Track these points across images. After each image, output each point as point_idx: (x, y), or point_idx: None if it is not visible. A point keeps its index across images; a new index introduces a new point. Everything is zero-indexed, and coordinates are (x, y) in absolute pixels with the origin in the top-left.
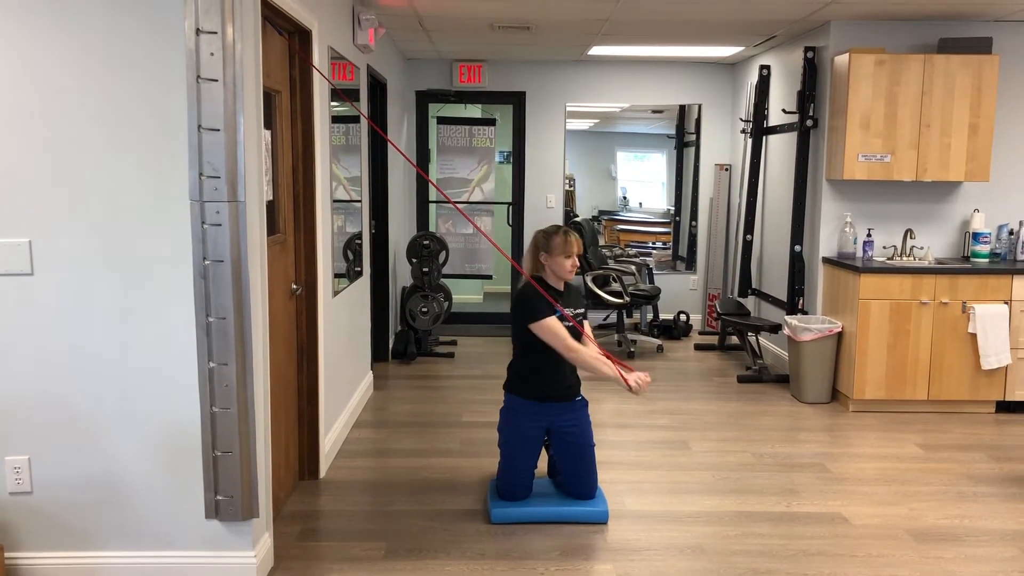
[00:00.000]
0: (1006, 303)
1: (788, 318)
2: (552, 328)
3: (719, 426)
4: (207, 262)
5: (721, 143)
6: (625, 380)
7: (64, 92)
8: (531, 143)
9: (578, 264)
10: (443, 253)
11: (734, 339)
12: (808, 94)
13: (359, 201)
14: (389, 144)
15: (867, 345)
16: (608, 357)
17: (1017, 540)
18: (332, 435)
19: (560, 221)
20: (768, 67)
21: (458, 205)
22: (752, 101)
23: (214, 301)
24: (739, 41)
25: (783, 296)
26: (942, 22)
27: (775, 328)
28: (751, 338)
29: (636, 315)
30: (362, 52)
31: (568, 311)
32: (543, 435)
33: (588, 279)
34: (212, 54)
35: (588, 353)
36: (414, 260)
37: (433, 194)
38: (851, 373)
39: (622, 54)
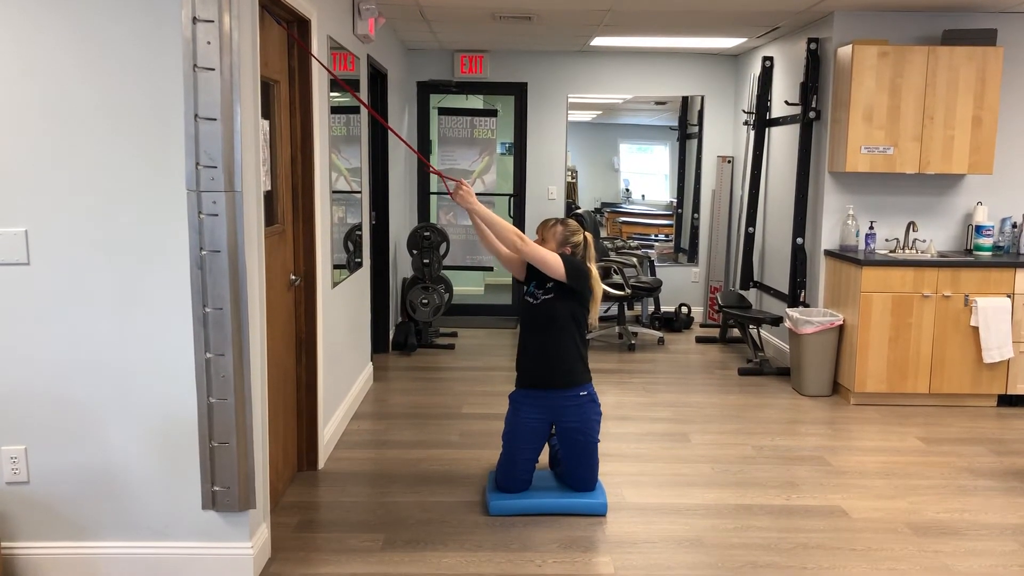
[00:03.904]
0: (1009, 296)
1: (790, 311)
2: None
3: (719, 419)
4: (204, 252)
5: (724, 135)
6: (449, 192)
7: (61, 81)
8: (533, 134)
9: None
10: (444, 244)
11: (735, 332)
12: (811, 86)
13: (359, 192)
14: (391, 133)
15: (869, 338)
16: (439, 174)
17: (1017, 534)
18: (331, 426)
19: (562, 213)
20: (771, 58)
21: (426, 160)
22: (755, 93)
23: (211, 291)
24: (742, 32)
25: (785, 289)
26: (946, 13)
27: (776, 321)
28: (752, 331)
29: (637, 307)
30: (362, 42)
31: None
32: (546, 429)
33: None
34: (209, 43)
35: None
36: (415, 251)
37: (434, 186)
38: (852, 366)
39: (624, 45)
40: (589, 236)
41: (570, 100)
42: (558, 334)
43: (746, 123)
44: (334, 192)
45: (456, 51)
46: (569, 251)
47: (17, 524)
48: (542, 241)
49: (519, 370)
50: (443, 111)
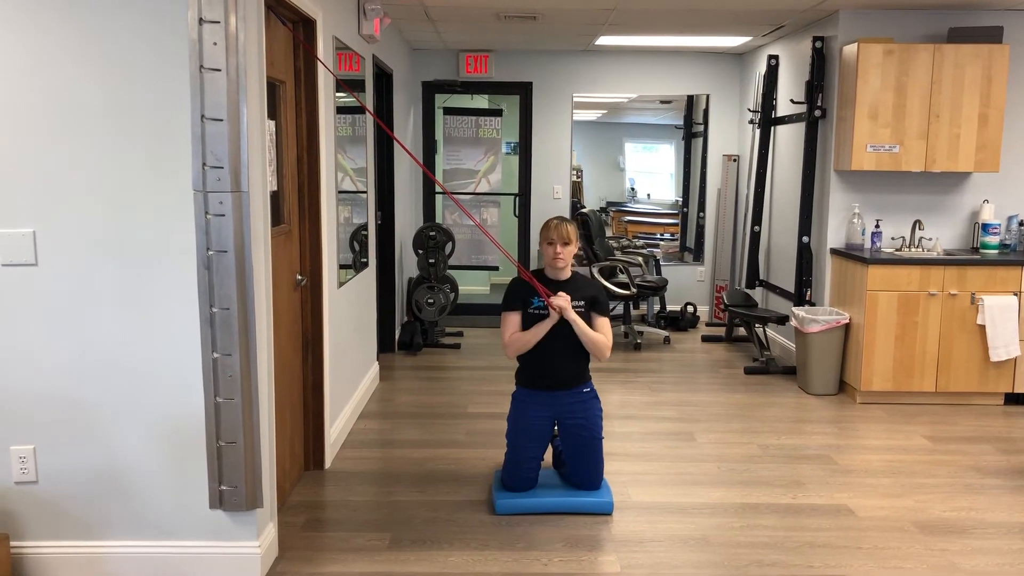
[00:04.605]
0: (1015, 294)
1: (795, 309)
2: (503, 322)
3: (725, 418)
4: (210, 252)
5: (729, 134)
6: (549, 303)
7: (67, 83)
8: (538, 134)
9: (562, 254)
10: (449, 244)
11: (741, 331)
12: (816, 84)
13: (365, 192)
14: (393, 138)
15: (875, 336)
16: (536, 285)
17: None
18: (337, 426)
19: (567, 212)
20: (776, 57)
21: (461, 203)
22: (760, 91)
23: (217, 291)
24: (747, 31)
25: (791, 287)
26: (952, 11)
27: (782, 319)
28: (758, 329)
29: (643, 306)
30: (368, 42)
31: (548, 292)
32: (550, 426)
33: (595, 270)
34: (215, 44)
35: (518, 339)
36: (420, 251)
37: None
38: (858, 365)
39: (629, 44)
40: None
41: (575, 99)
42: (575, 345)
43: (751, 122)
44: (340, 192)
45: (461, 51)
46: (579, 245)
47: (26, 523)
48: (566, 244)
49: (524, 373)
50: (448, 111)
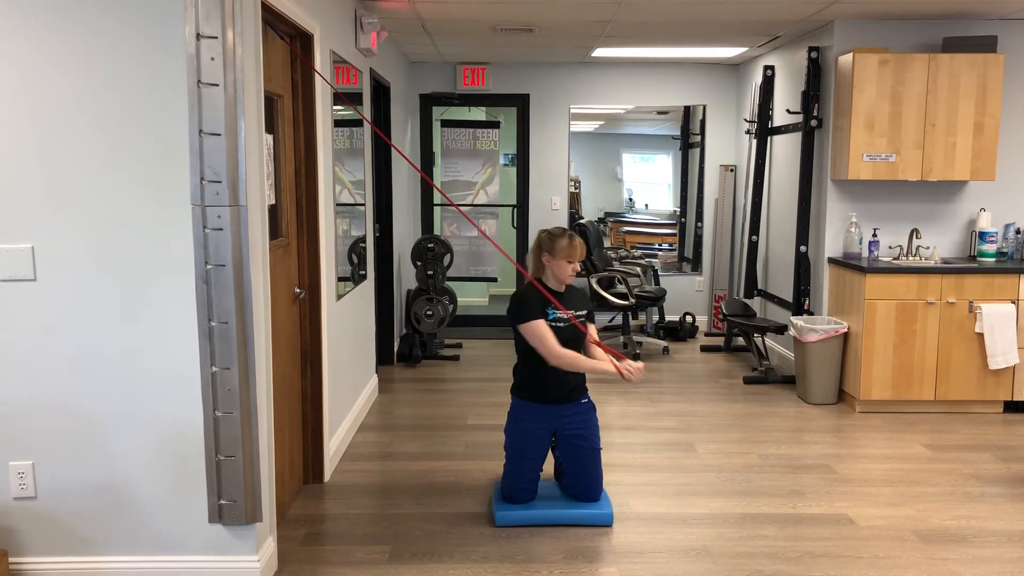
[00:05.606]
0: (1013, 302)
1: (794, 319)
2: (537, 331)
3: (725, 428)
4: (209, 266)
5: (726, 144)
6: (618, 370)
7: (66, 99)
8: (535, 145)
9: (579, 269)
10: (448, 256)
11: (740, 340)
12: (812, 94)
13: (363, 204)
14: (393, 147)
15: (873, 345)
16: (604, 348)
17: None
18: (337, 439)
19: (565, 223)
20: (772, 67)
21: (463, 211)
22: (756, 102)
23: (216, 305)
24: (743, 42)
25: (789, 297)
26: (946, 21)
27: (781, 329)
28: (757, 339)
29: (642, 317)
30: (365, 56)
31: (570, 312)
32: (549, 437)
33: (593, 281)
34: (212, 59)
35: (573, 356)
36: (419, 263)
37: (438, 197)
38: (857, 374)
39: (626, 56)
40: None
41: (572, 111)
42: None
43: (748, 132)
44: (338, 205)
45: (458, 63)
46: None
47: (25, 539)
48: (571, 260)
49: (530, 386)
50: (446, 123)
